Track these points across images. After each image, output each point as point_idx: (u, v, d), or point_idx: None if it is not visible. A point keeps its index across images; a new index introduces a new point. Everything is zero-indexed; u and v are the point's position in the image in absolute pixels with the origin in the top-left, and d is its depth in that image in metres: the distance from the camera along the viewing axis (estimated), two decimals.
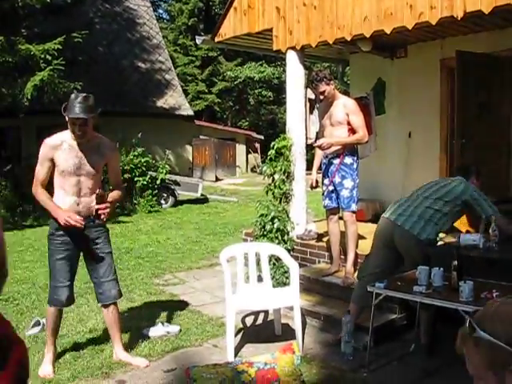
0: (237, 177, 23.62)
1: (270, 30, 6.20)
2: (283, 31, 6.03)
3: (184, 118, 20.25)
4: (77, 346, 4.35)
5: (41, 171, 3.85)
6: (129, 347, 4.31)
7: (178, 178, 14.78)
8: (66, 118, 3.78)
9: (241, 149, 24.69)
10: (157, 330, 4.63)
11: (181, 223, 11.50)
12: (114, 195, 4.02)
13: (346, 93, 6.49)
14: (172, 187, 14.39)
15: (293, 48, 5.97)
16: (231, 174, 23.78)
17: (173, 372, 3.90)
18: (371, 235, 6.10)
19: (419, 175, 7.01)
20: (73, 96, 3.80)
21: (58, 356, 4.12)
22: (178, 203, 14.54)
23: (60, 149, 3.80)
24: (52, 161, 3.82)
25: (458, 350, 1.25)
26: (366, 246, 5.57)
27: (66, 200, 3.82)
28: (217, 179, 22.28)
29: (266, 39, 6.47)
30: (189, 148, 21.87)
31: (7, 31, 10.51)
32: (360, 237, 5.97)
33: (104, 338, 4.44)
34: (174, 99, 20.30)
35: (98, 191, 3.76)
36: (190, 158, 21.96)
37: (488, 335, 1.13)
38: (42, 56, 10.23)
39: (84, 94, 3.84)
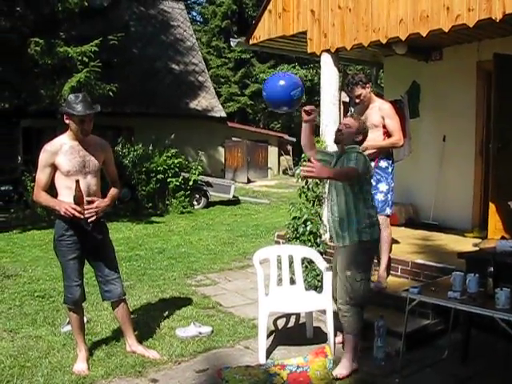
0: (268, 179, 23.62)
1: (305, 32, 6.20)
2: (318, 34, 6.02)
3: (217, 119, 20.41)
4: (110, 344, 4.42)
5: (42, 177, 3.89)
6: (160, 347, 4.38)
7: (210, 180, 14.87)
8: (67, 121, 3.85)
9: (273, 151, 24.69)
10: (189, 331, 4.66)
11: (213, 224, 11.57)
12: (113, 193, 4.11)
13: (379, 96, 6.44)
14: (204, 188, 14.49)
15: (327, 51, 5.96)
16: (263, 176, 23.80)
17: (205, 372, 3.92)
18: (404, 240, 6.12)
19: (453, 179, 6.95)
20: (72, 97, 3.87)
21: (91, 353, 4.20)
22: (210, 204, 14.64)
23: (61, 152, 3.85)
24: (53, 166, 3.86)
25: None
26: (398, 251, 5.55)
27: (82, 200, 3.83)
28: (249, 181, 22.33)
29: (301, 42, 6.47)
30: (221, 150, 22.02)
31: (47, 34, 10.76)
32: (394, 241, 5.94)
33: (136, 336, 4.49)
34: (207, 101, 20.47)
35: (75, 192, 3.74)
36: (223, 160, 22.09)
37: None
38: (80, 58, 10.45)
39: (82, 94, 3.93)
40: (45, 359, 4.14)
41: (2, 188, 12.89)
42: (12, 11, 10.75)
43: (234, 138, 22.68)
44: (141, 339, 4.45)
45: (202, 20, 34.99)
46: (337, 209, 3.90)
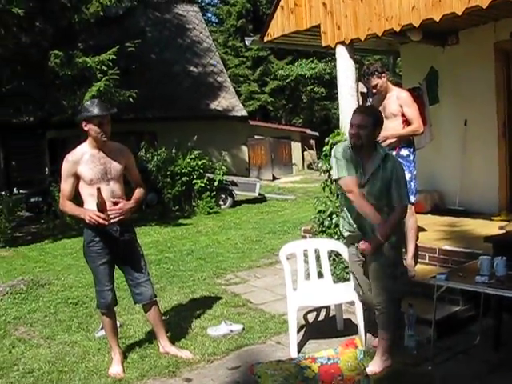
0: (293, 174, 23.62)
1: (318, 26, 6.18)
2: (331, 27, 6.01)
3: (238, 118, 20.49)
4: (144, 347, 4.50)
5: (66, 187, 3.97)
6: (193, 346, 4.44)
7: (235, 179, 14.93)
8: (86, 128, 3.91)
9: (296, 146, 24.68)
10: (220, 329, 4.72)
11: (240, 223, 11.62)
12: (137, 195, 4.16)
13: (398, 84, 6.40)
14: (230, 188, 14.55)
15: (342, 43, 5.94)
16: (288, 172, 23.80)
17: (237, 369, 3.97)
18: (431, 227, 6.08)
19: (477, 163, 6.86)
20: (88, 102, 3.98)
21: (126, 356, 4.29)
22: (236, 203, 14.70)
23: (82, 161, 3.92)
24: (75, 175, 3.94)
25: None
26: (425, 238, 5.51)
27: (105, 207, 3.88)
28: (274, 178, 22.35)
29: (315, 36, 6.46)
30: (244, 148, 22.10)
31: (65, 46, 10.97)
32: (420, 229, 5.90)
33: (169, 338, 4.55)
34: (227, 101, 20.56)
35: (98, 200, 3.80)
36: (246, 159, 22.16)
37: None
38: (98, 67, 10.63)
39: (97, 100, 4.01)
40: (81, 364, 4.25)
41: (32, 199, 13.17)
42: (32, 27, 10.96)
43: (256, 136, 22.74)
44: (173, 340, 4.52)
45: (217, 21, 35.15)
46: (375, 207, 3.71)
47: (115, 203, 3.95)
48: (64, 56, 10.32)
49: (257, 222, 11.61)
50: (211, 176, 13.97)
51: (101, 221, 3.79)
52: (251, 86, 29.71)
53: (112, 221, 3.90)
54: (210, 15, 36.58)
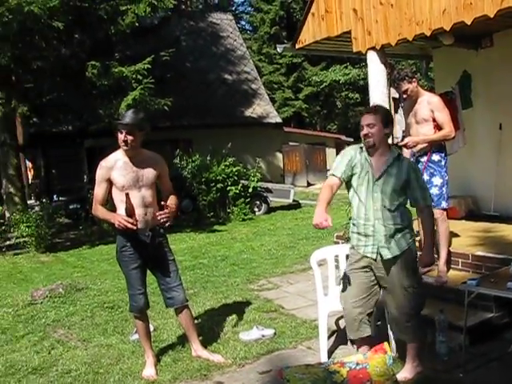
0: None
1: (349, 32, 6.22)
2: (362, 32, 6.03)
3: (272, 125, 20.58)
4: (176, 350, 4.57)
5: (99, 192, 4.08)
6: (225, 350, 4.50)
7: (269, 185, 14.99)
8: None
9: (331, 152, 24.58)
10: (252, 334, 4.76)
11: (274, 229, 11.65)
12: (172, 202, 4.23)
13: (431, 89, 6.35)
14: (264, 194, 14.62)
15: (373, 48, 5.96)
16: (323, 179, 23.66)
17: (268, 374, 4.00)
18: (464, 233, 6.00)
19: None
20: (123, 111, 4.09)
21: (159, 359, 4.37)
22: (271, 210, 14.76)
23: (116, 168, 4.03)
24: (108, 181, 4.05)
25: None
26: (458, 244, 5.46)
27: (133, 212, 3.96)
28: (308, 184, 22.33)
29: (346, 42, 6.49)
30: (279, 155, 22.16)
31: (102, 57, 11.25)
32: (453, 234, 5.85)
33: (201, 342, 4.62)
34: (262, 108, 20.67)
35: (126, 205, 3.88)
36: (281, 165, 22.21)
37: None
38: (134, 76, 10.86)
39: (134, 109, 4.14)
40: (116, 366, 4.35)
41: (71, 207, 13.51)
42: (71, 39, 11.28)
43: (290, 143, 22.78)
44: (206, 344, 4.58)
45: (251, 28, 35.44)
46: (390, 215, 3.60)
47: (164, 206, 4.05)
48: (101, 66, 10.60)
49: (291, 228, 11.63)
50: (246, 183, 14.06)
51: (129, 225, 3.85)
52: (285, 92, 29.82)
53: (166, 224, 4.04)
54: (243, 23, 36.97)
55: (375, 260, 3.65)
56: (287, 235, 10.57)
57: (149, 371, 4.13)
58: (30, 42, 9.86)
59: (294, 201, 15.24)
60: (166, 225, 4.06)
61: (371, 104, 6.14)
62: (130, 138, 3.96)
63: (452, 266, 5.19)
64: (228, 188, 13.79)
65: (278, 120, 20.90)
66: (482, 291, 3.54)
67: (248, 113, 20.14)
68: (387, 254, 3.60)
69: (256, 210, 14.47)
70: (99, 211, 4.10)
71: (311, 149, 23.29)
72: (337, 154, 25.22)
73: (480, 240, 5.66)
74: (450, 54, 7.08)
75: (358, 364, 3.29)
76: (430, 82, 8.22)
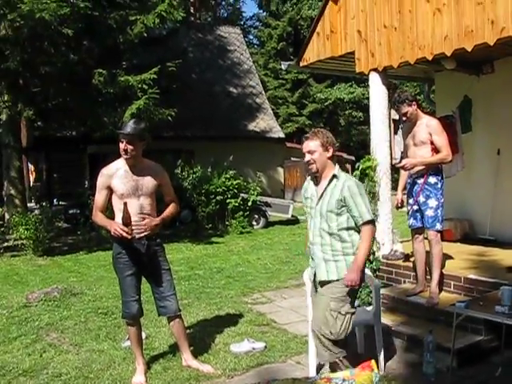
0: None
1: (353, 53, 6.31)
2: (365, 54, 6.13)
3: (275, 140, 20.67)
4: (167, 359, 4.61)
5: (99, 199, 4.17)
6: (215, 361, 4.54)
7: (269, 200, 15.06)
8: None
9: None
10: (243, 346, 4.80)
11: (271, 244, 11.71)
12: (167, 213, 4.33)
13: (431, 113, 6.42)
14: (263, 209, 14.68)
15: (375, 70, 6.05)
16: None
17: None
18: (459, 255, 6.06)
19: (510, 193, 6.80)
20: (127, 119, 4.16)
21: (149, 367, 4.41)
22: (269, 224, 14.82)
23: (116, 176, 4.12)
24: (109, 188, 4.14)
25: None
26: (451, 266, 5.51)
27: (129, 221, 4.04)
28: None
29: (349, 62, 6.58)
30: (280, 170, 22.23)
31: (110, 65, 11.39)
32: (447, 257, 5.90)
33: (192, 351, 4.66)
34: (265, 122, 20.78)
35: (123, 214, 3.97)
36: (282, 180, 22.28)
37: None
38: (139, 86, 10.98)
39: (136, 119, 4.23)
40: (106, 371, 4.39)
41: (70, 211, 13.57)
42: (79, 46, 11.41)
43: (292, 158, 22.85)
44: (196, 354, 4.62)
45: (258, 43, 35.70)
46: (329, 239, 3.64)
47: (142, 219, 4.12)
48: (107, 74, 10.73)
49: (288, 243, 11.69)
50: (245, 196, 14.12)
51: (124, 234, 3.94)
52: (290, 108, 29.97)
53: (137, 236, 4.07)
54: (251, 37, 37.25)
55: (315, 282, 3.80)
56: (284, 250, 10.63)
57: (138, 378, 4.17)
58: (39, 48, 9.98)
59: (292, 216, 15.31)
60: (142, 235, 4.10)
61: (371, 125, 6.25)
62: (130, 147, 4.04)
63: (444, 288, 5.24)
64: (227, 200, 13.87)
65: (281, 135, 20.99)
66: (471, 314, 3.59)
67: (251, 126, 20.25)
68: (321, 277, 3.69)
69: (254, 223, 14.53)
70: (98, 217, 4.18)
71: None
72: None
73: (473, 263, 5.71)
74: (452, 78, 7.18)
75: (344, 380, 3.33)
76: (431, 105, 8.30)
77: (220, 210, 13.89)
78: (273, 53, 30.72)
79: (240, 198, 14.02)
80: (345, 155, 25.64)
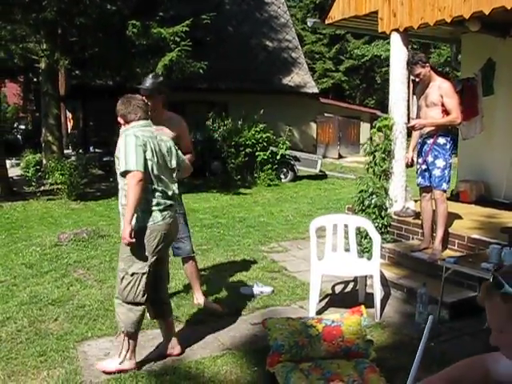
0: (360, 155, 23.54)
1: (376, 12, 6.37)
2: (388, 13, 6.18)
3: (309, 95, 20.61)
4: (180, 297, 5.03)
5: None
6: (224, 302, 4.90)
7: (297, 154, 15.22)
8: None
9: (365, 127, 24.52)
10: (252, 290, 5.16)
11: (296, 197, 11.99)
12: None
13: (446, 74, 6.44)
14: (292, 163, 14.89)
15: (396, 30, 6.12)
16: (355, 152, 23.79)
17: (259, 325, 4.38)
18: (469, 216, 6.22)
19: None
20: (147, 75, 4.45)
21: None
22: (297, 178, 15.05)
23: None
24: None
25: (480, 303, 1.44)
26: (459, 226, 5.70)
27: None
28: (340, 156, 22.45)
29: (373, 21, 6.63)
30: (313, 125, 22.24)
31: (144, 16, 11.55)
32: (457, 217, 6.08)
33: (204, 292, 5.04)
34: (300, 77, 20.71)
35: None
36: (314, 135, 22.33)
37: None
38: (172, 38, 11.13)
39: (154, 74, 4.56)
40: None
41: (104, 159, 14.04)
42: None
43: (325, 114, 22.82)
44: (208, 294, 5.02)
45: None
46: (121, 195, 3.56)
47: None
48: (141, 26, 10.92)
49: (313, 197, 11.94)
50: (274, 149, 14.34)
51: None
52: (326, 63, 29.69)
53: None
54: None
55: None
56: (307, 204, 10.89)
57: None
58: None
59: (320, 171, 15.48)
60: None
61: (390, 84, 6.36)
62: (149, 102, 4.28)
63: (449, 246, 5.44)
64: (257, 153, 14.13)
65: (315, 90, 20.91)
66: (457, 268, 3.82)
67: (286, 81, 20.22)
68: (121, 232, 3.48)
69: (282, 177, 14.79)
70: None
71: (345, 121, 23.32)
72: (371, 128, 25.20)
73: (481, 224, 5.87)
74: (478, 40, 7.14)
75: (333, 322, 3.64)
76: (459, 67, 8.28)
77: (249, 162, 14.16)
78: (311, 7, 30.29)
79: (269, 151, 14.26)
80: (378, 112, 25.40)
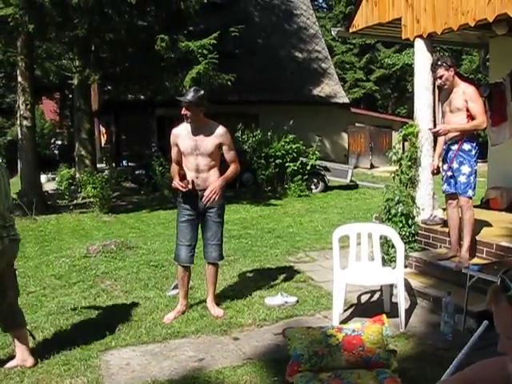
0: (392, 164, 23.33)
1: (399, 19, 6.31)
2: (411, 20, 6.12)
3: (339, 105, 20.57)
4: (205, 307, 5.00)
5: (172, 153, 4.85)
6: (248, 312, 4.89)
7: (328, 164, 15.15)
8: None
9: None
10: (276, 300, 5.13)
11: (326, 207, 11.92)
12: (229, 171, 4.81)
13: (470, 79, 6.33)
14: (322, 173, 14.83)
15: (420, 36, 6.05)
16: (386, 162, 23.48)
17: (281, 335, 4.35)
18: (499, 223, 6.08)
19: None
20: (189, 88, 4.73)
21: (188, 314, 4.83)
22: (328, 189, 14.97)
23: (181, 135, 4.71)
24: (177, 145, 4.74)
25: (488, 306, 1.40)
26: (488, 234, 5.56)
27: (188, 175, 4.71)
28: (372, 166, 22.25)
29: (397, 28, 6.57)
30: (344, 135, 22.17)
31: (173, 31, 11.74)
32: (486, 224, 5.95)
33: (224, 302, 5.04)
34: (330, 87, 20.70)
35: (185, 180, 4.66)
36: (346, 146, 22.23)
37: None
38: (199, 51, 11.28)
39: (196, 87, 4.76)
40: (149, 316, 4.85)
41: (136, 172, 14.26)
42: (143, 12, 11.81)
43: (357, 124, 22.69)
44: (233, 304, 5.08)
45: (326, 7, 35.13)
46: None
47: (196, 177, 4.69)
48: (169, 40, 11.10)
49: (343, 207, 11.85)
50: (305, 160, 14.31)
51: (179, 187, 4.60)
52: (357, 73, 29.58)
53: (208, 204, 4.63)
54: (320, 1, 36.69)
55: None
56: (337, 214, 10.82)
57: (168, 315, 4.76)
58: (104, 15, 10.44)
59: (351, 181, 15.36)
60: (210, 202, 4.61)
61: (415, 91, 6.29)
62: (188, 112, 4.59)
63: (477, 254, 5.32)
64: (287, 164, 14.12)
65: (346, 100, 20.86)
66: (482, 276, 3.73)
67: (316, 91, 20.23)
68: None
69: (313, 187, 14.74)
70: (172, 169, 4.92)
71: (377, 131, 23.11)
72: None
73: (510, 232, 5.72)
74: (506, 43, 7.01)
75: (354, 331, 3.59)
76: (488, 72, 8.13)
77: (279, 173, 14.17)
78: (341, 17, 30.23)
79: (299, 162, 14.24)
80: (410, 122, 25.14)
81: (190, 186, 4.64)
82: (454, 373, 1.79)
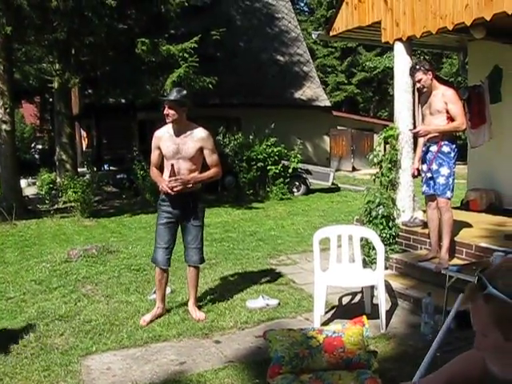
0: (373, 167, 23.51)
1: (379, 22, 6.38)
2: (390, 23, 6.18)
3: (321, 108, 20.67)
4: (186, 311, 4.97)
5: (152, 157, 4.80)
6: (230, 315, 4.89)
7: (310, 167, 15.20)
8: None
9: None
10: (258, 302, 5.14)
11: (308, 210, 11.95)
12: (207, 173, 4.78)
13: (449, 82, 6.40)
14: (304, 176, 14.87)
15: (399, 39, 6.11)
16: (368, 164, 23.66)
17: (262, 337, 4.36)
18: (478, 225, 6.15)
19: None
20: (172, 88, 4.71)
21: (169, 318, 4.80)
22: (310, 192, 15.01)
23: (164, 138, 4.67)
24: (159, 148, 4.70)
25: (464, 304, 1.40)
26: (467, 235, 5.63)
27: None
28: (353, 169, 22.39)
29: (376, 31, 6.63)
30: (326, 138, 22.26)
31: (155, 33, 11.71)
32: (466, 225, 6.02)
33: (205, 305, 5.03)
34: (312, 90, 20.79)
35: (170, 173, 4.60)
36: (328, 149, 22.32)
37: (499, 292, 1.25)
38: (180, 54, 11.27)
39: (179, 87, 4.77)
40: (130, 320, 4.82)
41: (118, 176, 14.17)
42: (123, 16, 11.75)
43: (338, 127, 22.81)
44: (214, 307, 5.07)
45: (308, 10, 35.30)
46: None
47: (175, 180, 4.61)
48: (150, 44, 11.06)
49: (325, 210, 11.90)
50: (286, 163, 14.34)
51: (169, 190, 4.55)
52: (338, 76, 29.75)
53: (174, 189, 4.55)
54: (302, 4, 36.89)
55: None
56: (319, 216, 10.85)
57: (145, 316, 4.76)
58: (84, 18, 10.36)
59: (333, 184, 15.43)
60: (175, 190, 4.55)
61: (395, 94, 6.35)
62: (171, 112, 4.55)
63: (456, 255, 5.38)
64: (268, 167, 14.14)
65: (327, 103, 20.97)
66: (460, 276, 3.76)
67: (298, 95, 20.31)
68: None
69: (295, 190, 14.78)
70: (152, 173, 4.88)
71: (359, 134, 23.27)
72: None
73: (490, 233, 5.79)
74: (484, 47, 7.10)
75: (334, 332, 3.61)
76: (466, 75, 8.24)
77: (261, 176, 14.17)
78: (322, 20, 30.42)
79: (281, 165, 14.26)
80: (391, 124, 25.36)
81: (179, 181, 4.58)
82: (427, 370, 1.80)
